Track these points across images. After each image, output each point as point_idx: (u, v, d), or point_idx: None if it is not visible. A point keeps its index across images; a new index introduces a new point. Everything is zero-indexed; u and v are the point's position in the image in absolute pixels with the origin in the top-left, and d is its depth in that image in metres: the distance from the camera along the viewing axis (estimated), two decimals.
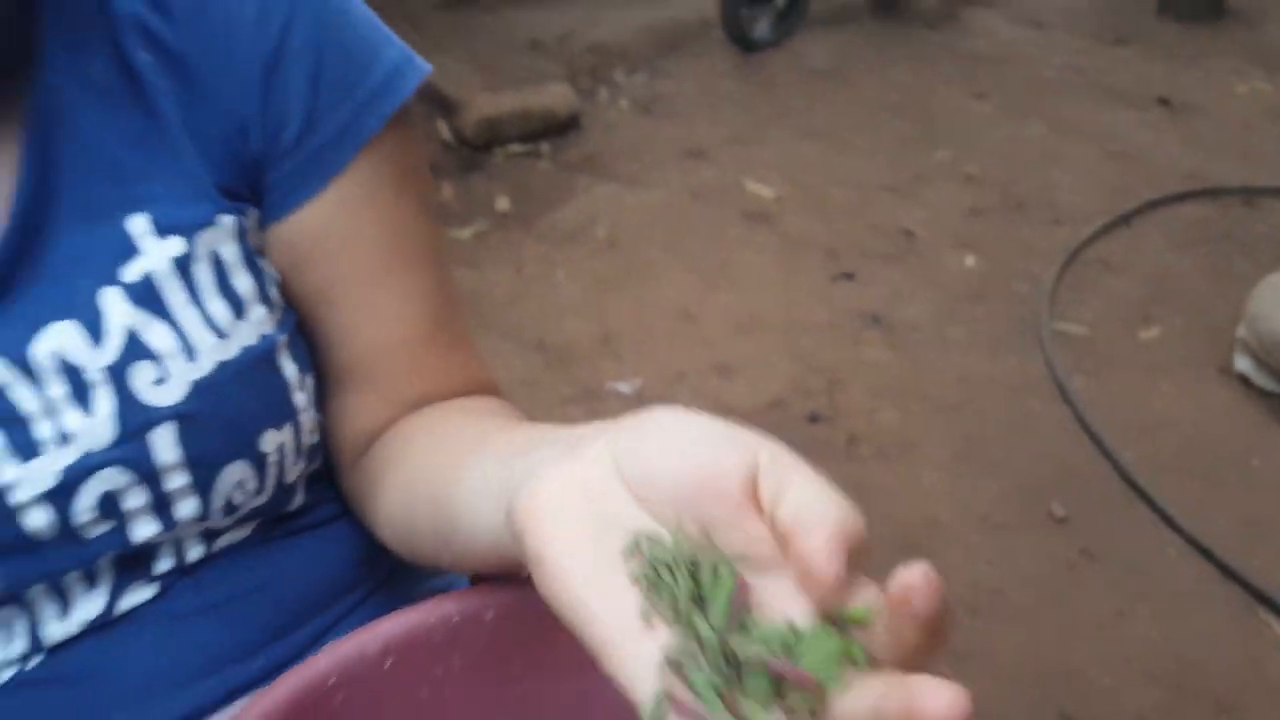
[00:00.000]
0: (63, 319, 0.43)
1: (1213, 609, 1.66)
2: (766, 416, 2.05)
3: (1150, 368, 2.26)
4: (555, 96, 3.51)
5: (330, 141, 0.48)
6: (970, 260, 2.70)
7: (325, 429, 0.56)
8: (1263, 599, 1.66)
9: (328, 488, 0.57)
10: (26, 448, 0.42)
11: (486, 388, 0.57)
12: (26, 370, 0.42)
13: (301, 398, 0.51)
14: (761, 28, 4.57)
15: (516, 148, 3.24)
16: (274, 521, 0.52)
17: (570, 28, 4.48)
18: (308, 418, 0.51)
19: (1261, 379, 2.14)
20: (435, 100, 3.33)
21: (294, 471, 0.51)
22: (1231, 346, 2.23)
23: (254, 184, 0.48)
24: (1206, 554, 1.74)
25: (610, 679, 0.31)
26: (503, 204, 2.87)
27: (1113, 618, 1.64)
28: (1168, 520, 1.81)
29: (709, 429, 0.32)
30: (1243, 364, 2.18)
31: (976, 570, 1.71)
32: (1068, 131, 3.59)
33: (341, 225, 0.49)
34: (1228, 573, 1.71)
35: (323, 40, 0.47)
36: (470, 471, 0.43)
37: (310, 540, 0.54)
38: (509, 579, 0.47)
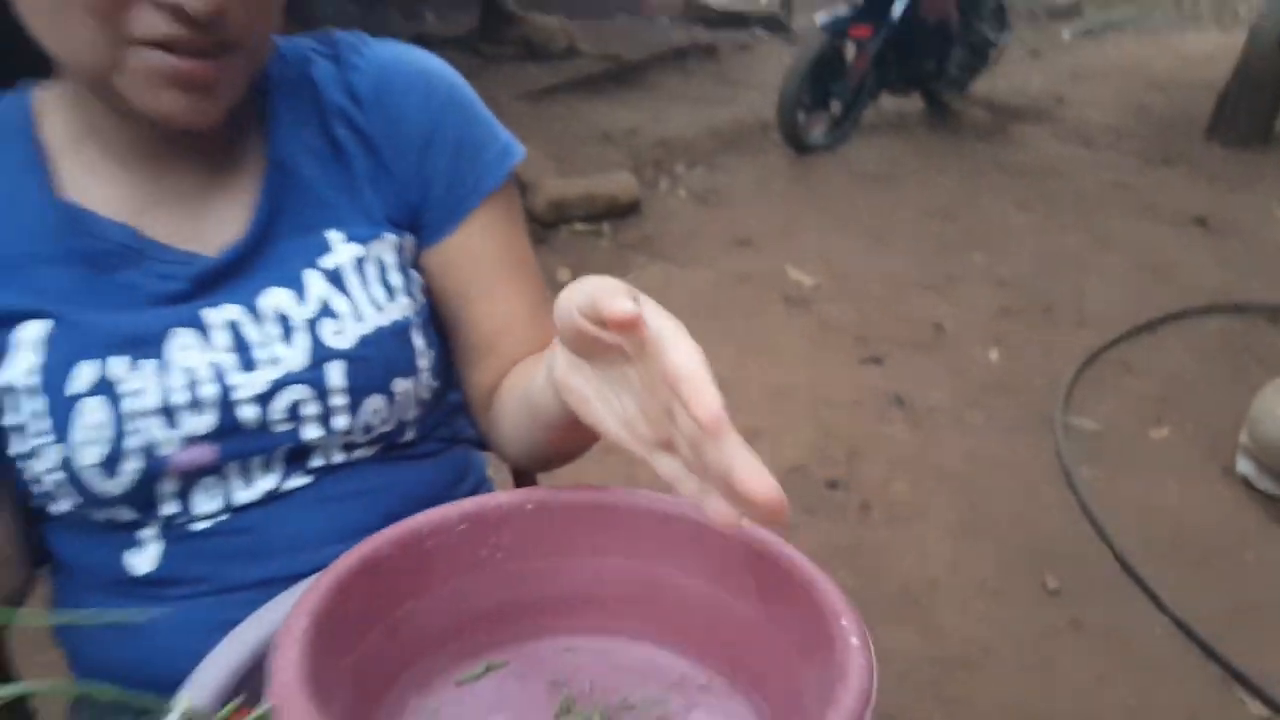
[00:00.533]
0: (279, 286, 0.66)
1: (1191, 683, 1.78)
2: (787, 479, 2.23)
3: (1157, 464, 2.39)
4: (619, 183, 3.81)
5: (464, 194, 0.73)
6: (994, 354, 2.88)
7: (464, 391, 0.80)
8: (1240, 678, 1.77)
9: (430, 431, 0.78)
10: (248, 365, 0.65)
11: None
12: (254, 315, 0.65)
13: (424, 363, 0.73)
14: (816, 133, 4.86)
15: (580, 226, 3.53)
16: (391, 447, 0.74)
17: (638, 123, 4.83)
18: (425, 378, 0.73)
19: (1261, 481, 2.26)
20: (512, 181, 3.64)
21: (411, 413, 0.73)
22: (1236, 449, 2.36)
23: (412, 220, 0.73)
24: (1189, 633, 1.86)
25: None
26: (564, 275, 3.14)
27: (1094, 682, 1.77)
28: (1155, 600, 1.93)
29: (590, 280, 0.52)
30: (1244, 466, 2.31)
31: (970, 629, 1.85)
32: (1104, 244, 3.77)
33: (472, 247, 0.74)
34: (1208, 652, 1.82)
35: (459, 128, 0.72)
36: (537, 371, 0.64)
37: (414, 464, 0.75)
38: (546, 487, 0.68)
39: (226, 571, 0.67)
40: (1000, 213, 4.12)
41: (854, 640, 0.52)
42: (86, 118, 0.63)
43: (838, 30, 4.66)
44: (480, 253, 0.74)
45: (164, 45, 0.55)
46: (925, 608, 1.90)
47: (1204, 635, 1.84)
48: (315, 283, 0.67)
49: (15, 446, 0.63)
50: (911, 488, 2.24)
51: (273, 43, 0.64)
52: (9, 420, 0.62)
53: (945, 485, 2.25)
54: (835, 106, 4.90)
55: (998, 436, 2.46)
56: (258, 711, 0.50)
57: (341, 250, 0.68)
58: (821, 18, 4.78)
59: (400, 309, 0.70)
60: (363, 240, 0.69)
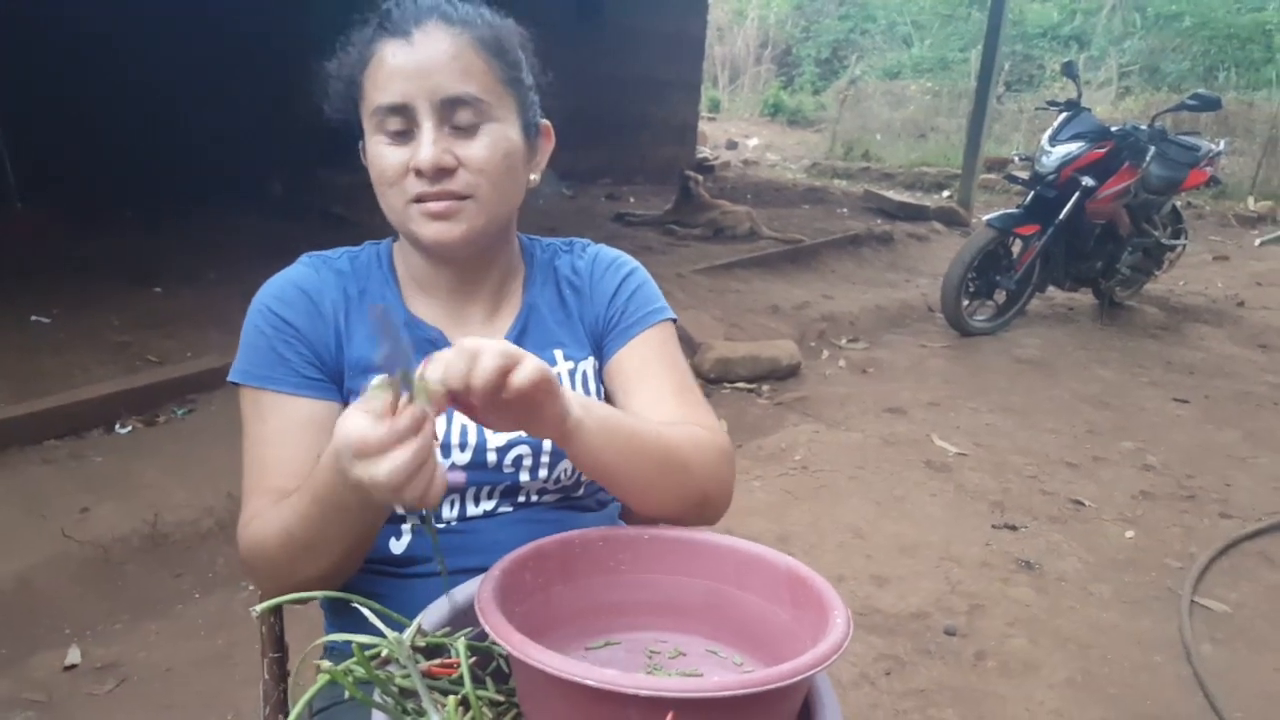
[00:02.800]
0: None
1: None
2: (908, 623, 2.43)
3: None
4: (781, 348, 4.19)
5: (629, 326, 1.11)
6: (1130, 534, 2.97)
7: None
8: None
9: (593, 494, 1.14)
10: None
11: (703, 425, 1.10)
12: None
13: None
14: (979, 318, 5.10)
15: (742, 385, 3.91)
16: (568, 498, 1.10)
17: (808, 299, 5.23)
18: None
19: None
20: (683, 340, 4.10)
21: (585, 477, 1.09)
22: None
23: (599, 345, 1.12)
24: None
25: None
26: (720, 426, 3.49)
27: None
28: None
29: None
30: None
31: None
32: (1261, 443, 3.77)
33: (632, 358, 1.10)
34: None
35: (632, 289, 1.12)
36: None
37: (579, 513, 1.11)
38: (659, 527, 1.01)
39: (448, 559, 1.03)
40: (1157, 406, 4.18)
41: (840, 621, 0.83)
42: (412, 265, 1.07)
43: (1004, 227, 4.95)
44: (637, 362, 1.10)
45: (421, 199, 0.96)
46: None
47: None
48: None
49: None
50: (1029, 645, 2.38)
51: (509, 204, 1.02)
52: None
53: (1063, 647, 2.38)
54: (1000, 295, 5.14)
55: (1123, 609, 2.56)
56: (461, 636, 0.86)
57: (562, 364, 1.09)
58: (990, 215, 5.10)
59: None
60: (575, 359, 1.10)
